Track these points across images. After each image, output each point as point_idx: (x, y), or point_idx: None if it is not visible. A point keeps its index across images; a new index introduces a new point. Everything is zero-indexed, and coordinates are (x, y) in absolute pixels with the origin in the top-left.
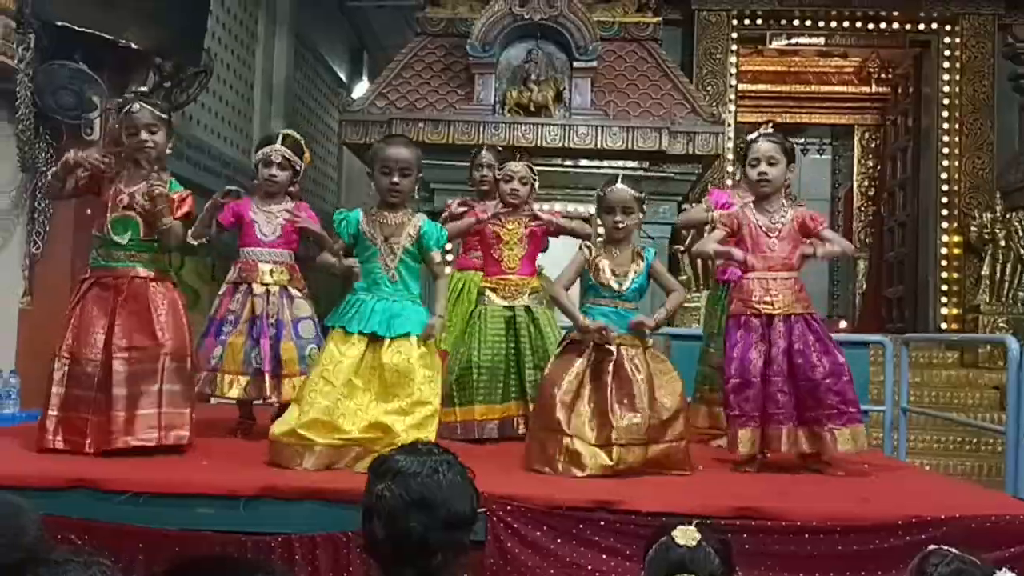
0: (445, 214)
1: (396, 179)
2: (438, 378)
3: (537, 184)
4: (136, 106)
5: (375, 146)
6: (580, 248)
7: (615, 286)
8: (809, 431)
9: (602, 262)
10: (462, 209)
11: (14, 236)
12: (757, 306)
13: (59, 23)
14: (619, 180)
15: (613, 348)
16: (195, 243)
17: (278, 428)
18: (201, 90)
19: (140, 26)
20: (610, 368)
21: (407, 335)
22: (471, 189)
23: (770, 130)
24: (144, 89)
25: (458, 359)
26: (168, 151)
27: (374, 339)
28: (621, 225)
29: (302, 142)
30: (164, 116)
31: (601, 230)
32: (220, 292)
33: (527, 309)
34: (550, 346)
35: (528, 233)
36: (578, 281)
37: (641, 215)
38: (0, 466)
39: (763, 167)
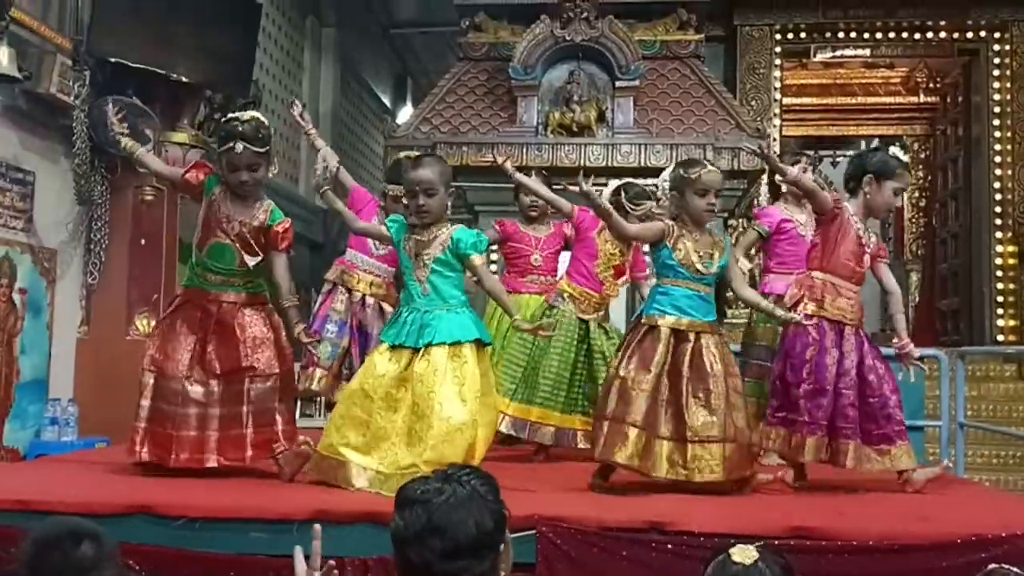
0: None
1: (421, 200)
2: (475, 388)
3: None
4: (239, 147)
5: (403, 168)
6: (665, 225)
7: (701, 268)
8: (877, 449)
9: (685, 243)
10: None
11: (71, 267)
12: (831, 310)
13: (112, 59)
14: (707, 162)
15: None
16: None
17: (322, 442)
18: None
19: (191, 60)
20: (687, 359)
21: (441, 344)
22: (515, 211)
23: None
24: (244, 116)
25: (524, 356)
26: (271, 175)
27: (414, 351)
28: (715, 208)
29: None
30: (263, 150)
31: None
32: (323, 290)
33: (600, 325)
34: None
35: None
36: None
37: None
38: (60, 492)
39: (899, 200)
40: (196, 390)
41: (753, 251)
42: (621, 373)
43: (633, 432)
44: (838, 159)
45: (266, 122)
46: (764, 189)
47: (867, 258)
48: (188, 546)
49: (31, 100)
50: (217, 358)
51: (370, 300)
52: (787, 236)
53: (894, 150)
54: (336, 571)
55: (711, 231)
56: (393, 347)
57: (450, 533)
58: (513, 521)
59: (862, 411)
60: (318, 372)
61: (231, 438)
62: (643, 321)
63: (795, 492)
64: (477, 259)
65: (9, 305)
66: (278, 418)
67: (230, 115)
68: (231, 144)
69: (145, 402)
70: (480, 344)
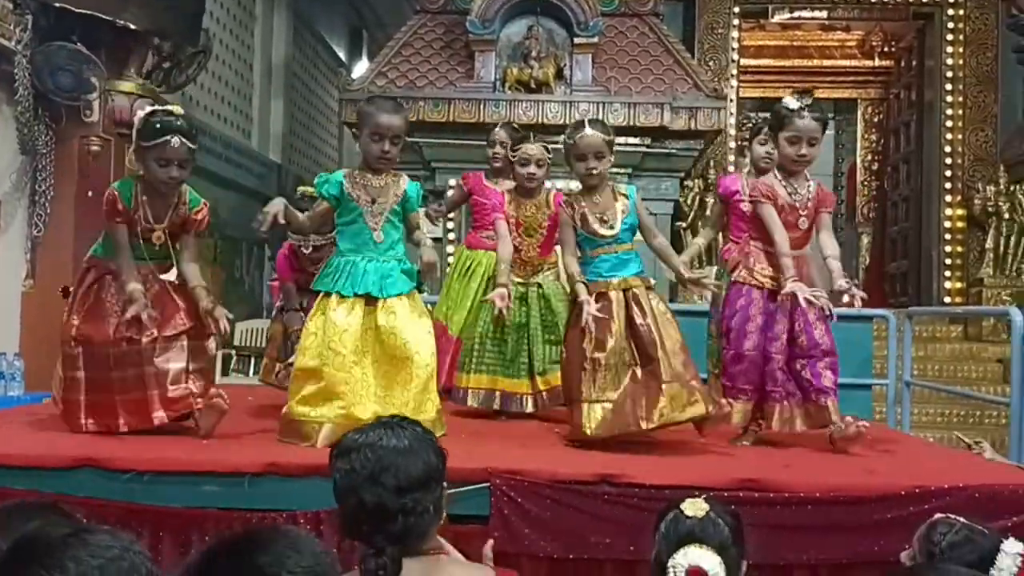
0: (450, 193)
1: (387, 147)
2: (431, 337)
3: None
4: (175, 140)
5: (364, 109)
6: (562, 207)
7: (607, 232)
8: (806, 408)
9: (585, 212)
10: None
11: (15, 219)
12: (761, 279)
13: (57, 4)
14: (587, 125)
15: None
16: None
17: (293, 404)
18: (200, 71)
19: (138, 6)
20: (620, 313)
21: (399, 295)
22: (478, 165)
23: (809, 101)
24: (173, 109)
25: (473, 332)
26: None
27: (368, 301)
28: (596, 171)
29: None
30: (194, 145)
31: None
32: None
33: (539, 286)
34: (561, 321)
35: (550, 223)
36: None
37: (611, 158)
38: (8, 447)
39: (804, 148)
40: (129, 350)
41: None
42: (566, 354)
43: (584, 406)
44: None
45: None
46: (732, 146)
47: (803, 219)
48: (137, 499)
49: None
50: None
51: None
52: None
53: (796, 99)
54: None
55: (612, 188)
56: (342, 297)
57: (402, 470)
58: (467, 474)
59: (792, 374)
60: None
61: (174, 392)
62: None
63: (744, 447)
64: (417, 217)
65: None
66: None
67: (157, 108)
68: (167, 138)
69: (80, 374)
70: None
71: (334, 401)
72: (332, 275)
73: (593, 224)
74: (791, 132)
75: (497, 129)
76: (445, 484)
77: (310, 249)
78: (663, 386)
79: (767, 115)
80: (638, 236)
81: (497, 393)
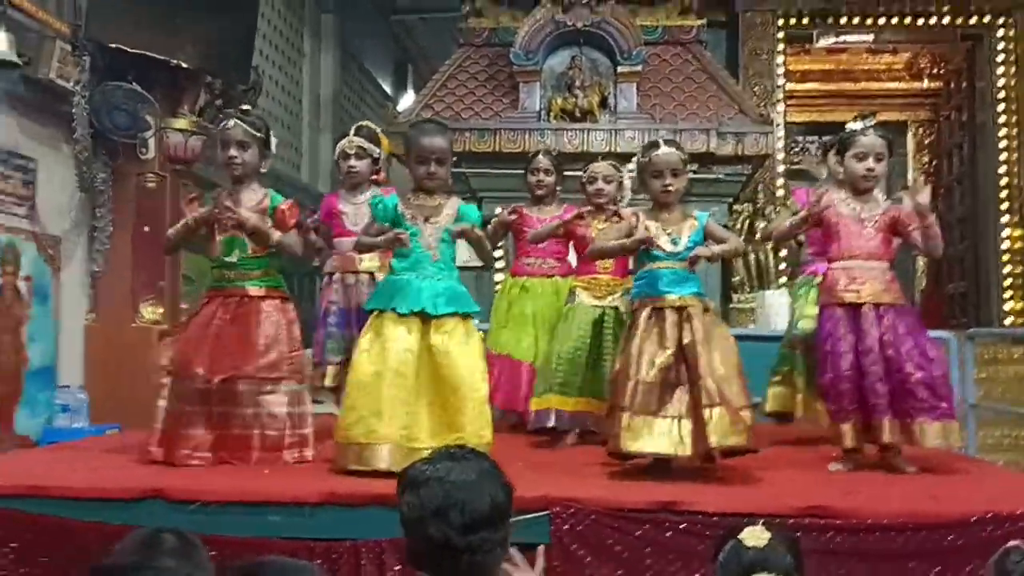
0: (495, 221)
1: (433, 168)
2: (483, 362)
3: (624, 182)
4: (231, 122)
5: (409, 133)
6: (627, 213)
7: (670, 247)
8: (901, 424)
9: (649, 224)
10: (512, 217)
11: (75, 255)
12: (842, 295)
13: (113, 45)
14: (662, 143)
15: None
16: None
17: (350, 427)
18: (251, 106)
19: (191, 46)
20: (674, 333)
21: (454, 314)
22: (524, 195)
23: (872, 122)
24: (246, 108)
25: (547, 353)
26: (263, 169)
27: (422, 320)
28: (672, 188)
29: (378, 131)
30: (257, 133)
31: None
32: (322, 284)
33: (615, 309)
34: None
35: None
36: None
37: (687, 176)
38: (75, 478)
39: (871, 163)
40: (203, 388)
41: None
42: (617, 365)
43: (624, 415)
44: None
45: (262, 116)
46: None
47: (869, 230)
48: (202, 530)
49: (31, 86)
50: (240, 352)
51: (364, 278)
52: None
53: (860, 120)
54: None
55: (683, 208)
56: (400, 316)
57: (468, 507)
58: (527, 502)
59: (889, 386)
60: (329, 369)
61: (234, 438)
62: (632, 309)
63: (808, 471)
64: (477, 232)
65: (14, 293)
66: (287, 422)
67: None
68: (224, 121)
69: (161, 403)
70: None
71: (395, 422)
72: (387, 293)
73: (660, 239)
74: (858, 149)
75: (538, 156)
76: (511, 521)
77: None
78: (704, 410)
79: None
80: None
81: (567, 414)
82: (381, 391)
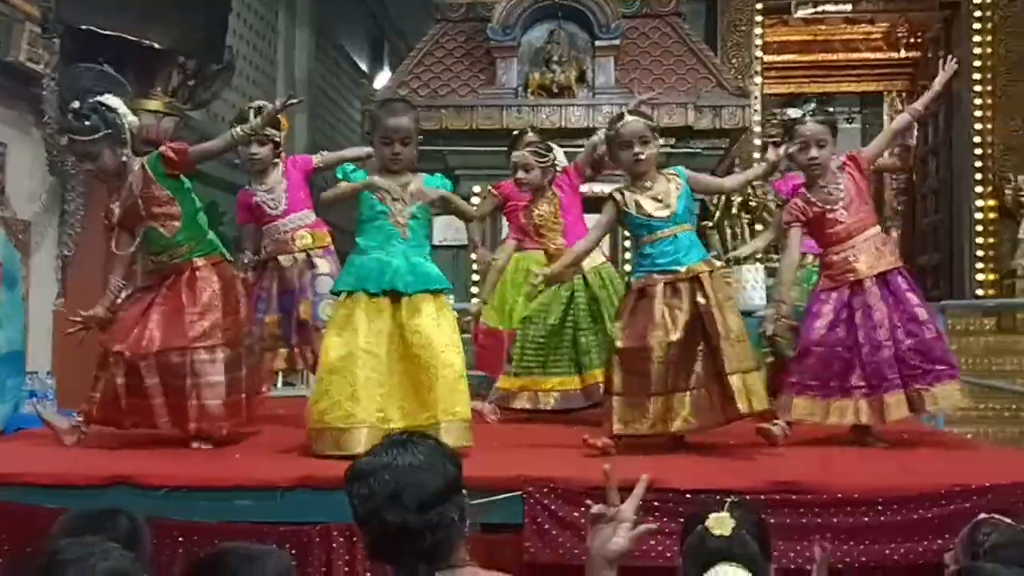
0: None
1: (397, 149)
2: (457, 336)
3: (555, 161)
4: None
5: (375, 114)
6: (609, 199)
7: (663, 212)
8: (907, 396)
9: (635, 197)
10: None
11: (46, 240)
12: (840, 278)
13: (83, 27)
14: (627, 113)
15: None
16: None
17: (325, 411)
18: (224, 87)
19: (162, 27)
20: (689, 306)
21: (425, 292)
22: (503, 172)
23: (812, 106)
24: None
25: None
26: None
27: (393, 299)
28: (642, 156)
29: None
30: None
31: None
32: (255, 275)
33: (583, 278)
34: (605, 308)
35: (553, 208)
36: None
37: (658, 144)
38: (41, 465)
39: (813, 151)
40: (137, 362)
41: None
42: (622, 346)
43: (650, 402)
44: (852, 116)
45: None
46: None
47: (842, 211)
48: (172, 515)
49: (0, 69)
50: (163, 328)
51: (300, 256)
52: None
53: (797, 109)
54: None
55: (662, 171)
56: (371, 296)
57: (421, 488)
58: (499, 482)
59: (893, 358)
60: (281, 351)
61: (172, 408)
62: (632, 288)
63: (780, 447)
64: (452, 196)
65: None
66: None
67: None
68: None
69: (100, 377)
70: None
71: (370, 404)
72: (355, 274)
73: (647, 207)
74: (798, 140)
75: (521, 153)
76: (465, 492)
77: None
78: (730, 377)
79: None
80: None
81: (555, 394)
82: (355, 374)
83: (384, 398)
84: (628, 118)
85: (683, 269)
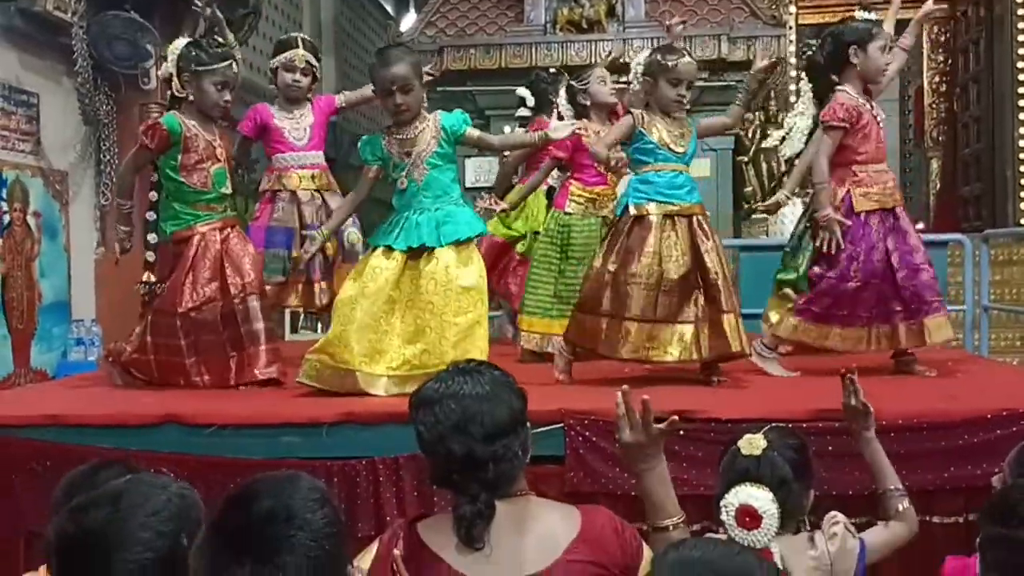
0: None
1: (399, 99)
2: (482, 281)
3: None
4: (235, 68)
5: (371, 67)
6: (627, 114)
7: (676, 148)
8: (908, 327)
9: (657, 126)
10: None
11: (83, 189)
12: (882, 199)
13: None
14: (685, 51)
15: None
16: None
17: (323, 352)
18: (251, 32)
19: None
20: (686, 242)
21: (455, 243)
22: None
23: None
24: (230, 48)
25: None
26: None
27: (417, 253)
28: (686, 100)
29: (317, 46)
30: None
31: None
32: (260, 202)
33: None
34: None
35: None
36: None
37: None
38: (93, 407)
39: (888, 57)
40: (248, 307)
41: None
42: (611, 268)
43: (634, 326)
44: (891, 45)
45: None
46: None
47: (879, 134)
48: (220, 453)
49: (28, 19)
50: (242, 275)
51: (306, 195)
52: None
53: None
54: None
55: (679, 117)
56: (387, 248)
57: (487, 417)
58: (541, 415)
59: (898, 294)
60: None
61: (269, 351)
62: (630, 212)
63: (819, 376)
64: (473, 131)
65: (25, 228)
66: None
67: (204, 40)
68: (228, 63)
69: (186, 340)
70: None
71: (360, 348)
72: (387, 230)
73: (665, 136)
74: (880, 40)
75: (601, 71)
76: (528, 425)
77: None
78: (723, 316)
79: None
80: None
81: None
82: (351, 317)
83: (374, 342)
84: (685, 57)
85: (686, 204)
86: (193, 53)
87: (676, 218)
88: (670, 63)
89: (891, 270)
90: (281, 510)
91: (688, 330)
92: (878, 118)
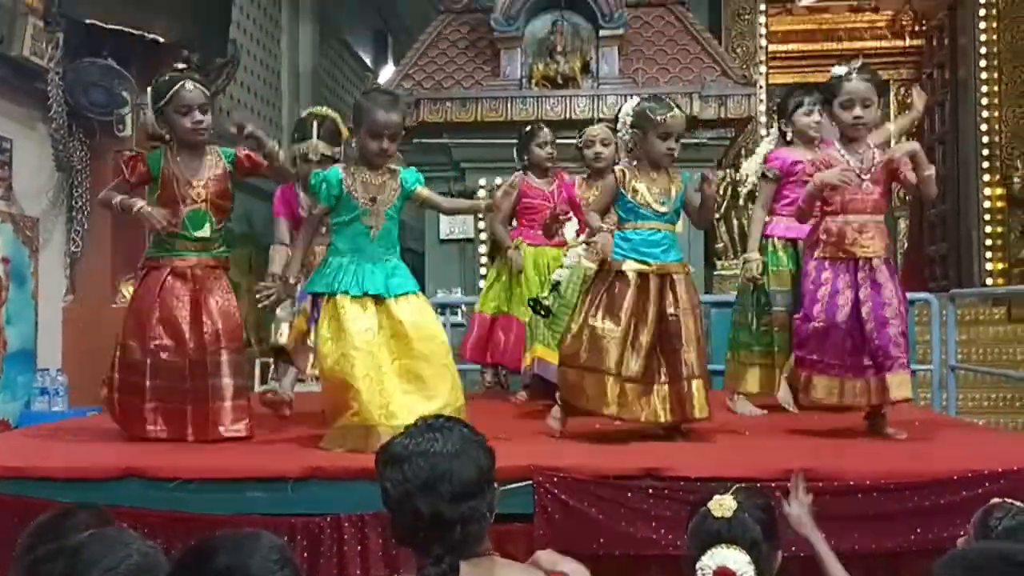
0: (499, 194)
1: (386, 145)
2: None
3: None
4: (189, 85)
5: (362, 104)
6: (613, 173)
7: (657, 207)
8: (877, 381)
9: (638, 184)
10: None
11: (54, 236)
12: (851, 249)
13: (87, 21)
14: (674, 106)
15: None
16: None
17: (335, 417)
18: (229, 81)
19: (166, 20)
20: (659, 301)
21: (406, 294)
22: (508, 165)
23: (858, 64)
24: (181, 65)
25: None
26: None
27: (377, 299)
28: (676, 154)
29: (338, 121)
30: (209, 93)
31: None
32: None
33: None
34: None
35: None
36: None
37: None
38: (53, 460)
39: (858, 110)
40: (210, 361)
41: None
42: (591, 322)
43: (609, 380)
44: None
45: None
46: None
47: (868, 184)
48: (183, 508)
49: (3, 64)
50: (216, 324)
51: None
52: (795, 178)
53: (844, 65)
54: None
55: (668, 169)
56: (354, 298)
57: (456, 477)
58: (509, 472)
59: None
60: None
61: (237, 407)
62: (612, 267)
63: (789, 434)
64: (423, 190)
65: None
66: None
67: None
68: (181, 83)
69: (149, 381)
70: None
71: (374, 400)
72: (332, 275)
73: (647, 196)
74: (844, 97)
75: (601, 127)
76: (496, 484)
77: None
78: (685, 382)
79: (800, 87)
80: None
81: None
82: (354, 375)
83: (383, 395)
84: (677, 111)
85: (656, 264)
86: (152, 93)
87: (650, 276)
88: (659, 117)
89: (860, 321)
90: (238, 569)
91: (655, 391)
92: (860, 172)
